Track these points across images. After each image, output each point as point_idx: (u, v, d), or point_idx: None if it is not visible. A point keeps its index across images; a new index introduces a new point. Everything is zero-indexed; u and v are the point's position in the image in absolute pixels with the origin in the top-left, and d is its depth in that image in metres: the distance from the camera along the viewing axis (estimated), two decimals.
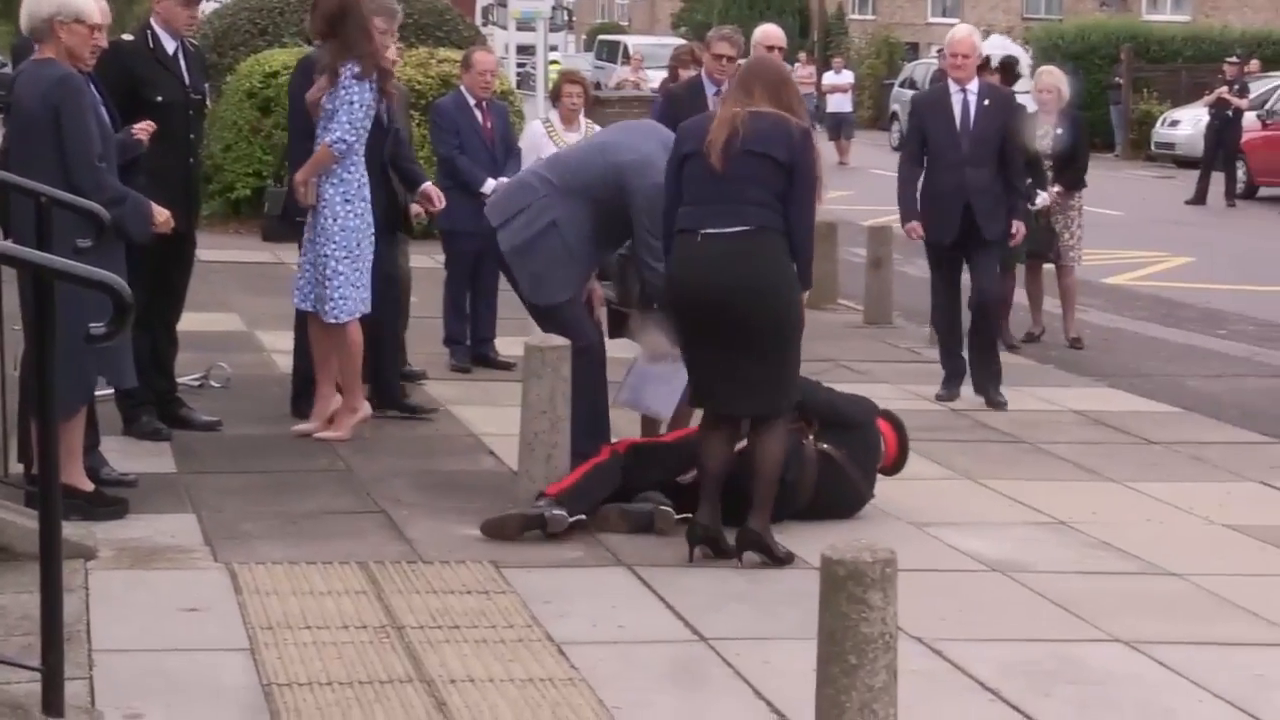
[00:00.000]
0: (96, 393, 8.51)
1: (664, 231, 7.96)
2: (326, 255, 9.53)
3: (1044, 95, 13.78)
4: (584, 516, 8.00)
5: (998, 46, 13.36)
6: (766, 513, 7.75)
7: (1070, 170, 13.78)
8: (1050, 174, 13.60)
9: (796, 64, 33.43)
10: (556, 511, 7.90)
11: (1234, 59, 30.29)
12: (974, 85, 11.38)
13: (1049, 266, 14.01)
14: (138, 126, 8.75)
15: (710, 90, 11.04)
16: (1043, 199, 13.29)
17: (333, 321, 9.60)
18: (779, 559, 7.70)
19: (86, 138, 7.85)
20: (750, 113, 7.60)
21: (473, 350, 12.09)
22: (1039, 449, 10.39)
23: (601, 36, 60.00)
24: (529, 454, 8.28)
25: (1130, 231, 22.18)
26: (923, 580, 7.42)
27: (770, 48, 11.28)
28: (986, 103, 11.34)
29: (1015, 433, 10.76)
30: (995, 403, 11.40)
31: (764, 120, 7.60)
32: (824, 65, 42.39)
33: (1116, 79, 39.19)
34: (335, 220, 9.54)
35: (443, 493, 8.75)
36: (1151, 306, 17.02)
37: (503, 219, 8.52)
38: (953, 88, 11.39)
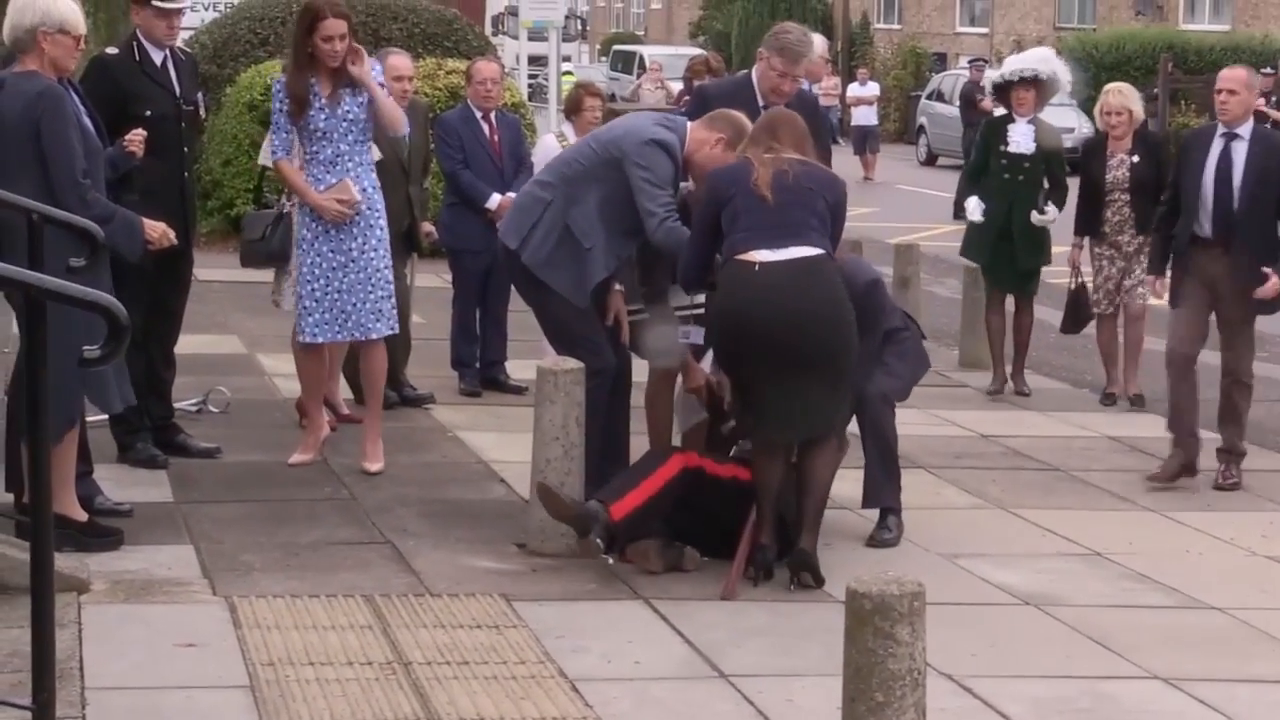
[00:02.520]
0: (90, 419, 8.37)
1: (690, 262, 8.02)
2: (385, 267, 9.37)
3: (1113, 119, 11.95)
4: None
5: (1037, 60, 12.09)
6: (816, 532, 7.83)
7: (1152, 205, 11.42)
8: (1129, 211, 12.02)
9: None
10: (598, 540, 7.67)
11: (1268, 70, 30.01)
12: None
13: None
14: (129, 137, 8.56)
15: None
16: (1052, 213, 12.27)
17: (390, 333, 9.50)
18: (822, 579, 7.72)
19: (70, 153, 7.68)
20: (798, 160, 7.86)
21: (483, 373, 11.88)
22: (1073, 477, 10.21)
23: (616, 47, 60.07)
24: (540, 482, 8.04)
25: None
26: (952, 614, 7.31)
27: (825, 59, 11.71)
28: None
29: (1049, 460, 10.60)
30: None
31: (813, 167, 7.93)
32: (848, 76, 42.08)
33: (1154, 90, 38.58)
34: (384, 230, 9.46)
35: (451, 522, 8.59)
36: None
37: (520, 239, 8.40)
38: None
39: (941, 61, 52.63)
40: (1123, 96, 11.95)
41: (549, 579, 7.71)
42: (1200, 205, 9.75)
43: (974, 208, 12.48)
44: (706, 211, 7.92)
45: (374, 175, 9.44)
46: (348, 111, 9.19)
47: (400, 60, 11.06)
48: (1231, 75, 9.91)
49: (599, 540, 7.66)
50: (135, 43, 9.34)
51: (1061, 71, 12.36)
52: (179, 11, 9.42)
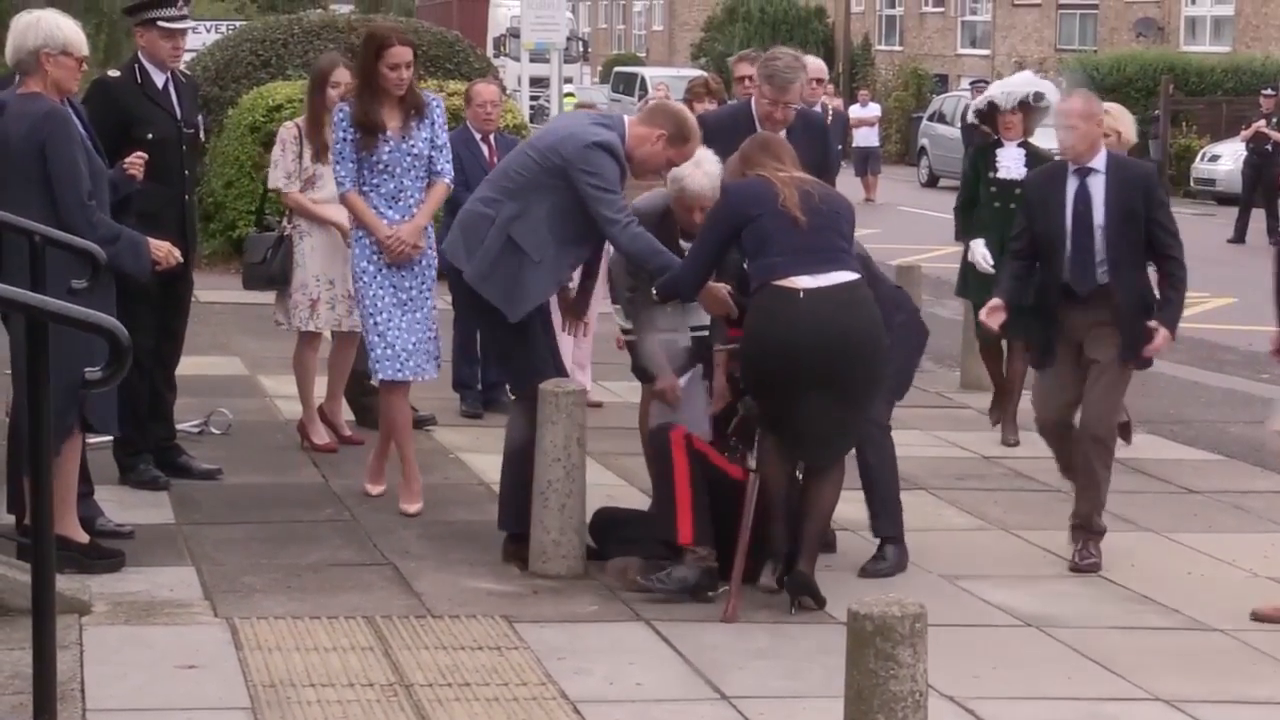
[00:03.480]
0: (91, 440, 8.34)
1: (687, 278, 7.89)
2: (433, 308, 9.13)
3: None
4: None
5: (1023, 84, 11.63)
6: (815, 556, 7.78)
7: None
8: None
9: (822, 96, 32.85)
10: (715, 592, 7.72)
11: (1269, 91, 29.92)
12: None
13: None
14: (128, 160, 8.51)
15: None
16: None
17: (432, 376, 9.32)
18: (822, 600, 7.68)
19: (76, 174, 7.67)
20: (815, 180, 7.88)
21: (484, 395, 11.85)
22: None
23: (618, 68, 60.03)
24: (542, 504, 8.07)
25: None
26: (954, 636, 7.28)
27: (819, 80, 11.50)
28: None
29: (1050, 481, 10.45)
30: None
31: (829, 189, 7.96)
32: (849, 98, 42.09)
33: (1155, 112, 38.34)
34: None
35: (453, 544, 8.56)
36: (1191, 349, 16.40)
37: (469, 258, 8.15)
38: None
39: (943, 83, 52.62)
40: (1111, 118, 10.78)
41: (550, 601, 7.68)
42: (1060, 252, 8.58)
43: (981, 254, 11.72)
44: (723, 228, 7.76)
45: None
46: (413, 146, 8.95)
47: None
48: (1066, 109, 8.78)
49: (711, 593, 7.69)
50: (137, 65, 9.30)
51: (1050, 93, 11.93)
52: (183, 32, 9.36)
